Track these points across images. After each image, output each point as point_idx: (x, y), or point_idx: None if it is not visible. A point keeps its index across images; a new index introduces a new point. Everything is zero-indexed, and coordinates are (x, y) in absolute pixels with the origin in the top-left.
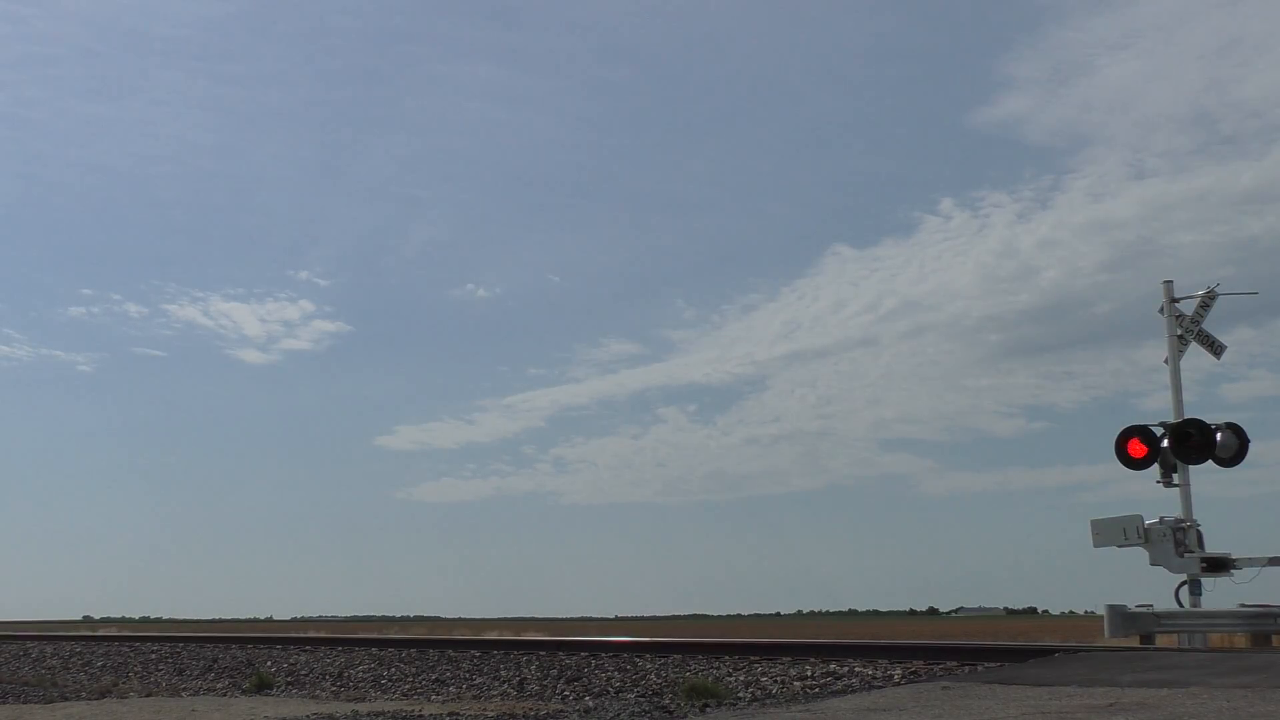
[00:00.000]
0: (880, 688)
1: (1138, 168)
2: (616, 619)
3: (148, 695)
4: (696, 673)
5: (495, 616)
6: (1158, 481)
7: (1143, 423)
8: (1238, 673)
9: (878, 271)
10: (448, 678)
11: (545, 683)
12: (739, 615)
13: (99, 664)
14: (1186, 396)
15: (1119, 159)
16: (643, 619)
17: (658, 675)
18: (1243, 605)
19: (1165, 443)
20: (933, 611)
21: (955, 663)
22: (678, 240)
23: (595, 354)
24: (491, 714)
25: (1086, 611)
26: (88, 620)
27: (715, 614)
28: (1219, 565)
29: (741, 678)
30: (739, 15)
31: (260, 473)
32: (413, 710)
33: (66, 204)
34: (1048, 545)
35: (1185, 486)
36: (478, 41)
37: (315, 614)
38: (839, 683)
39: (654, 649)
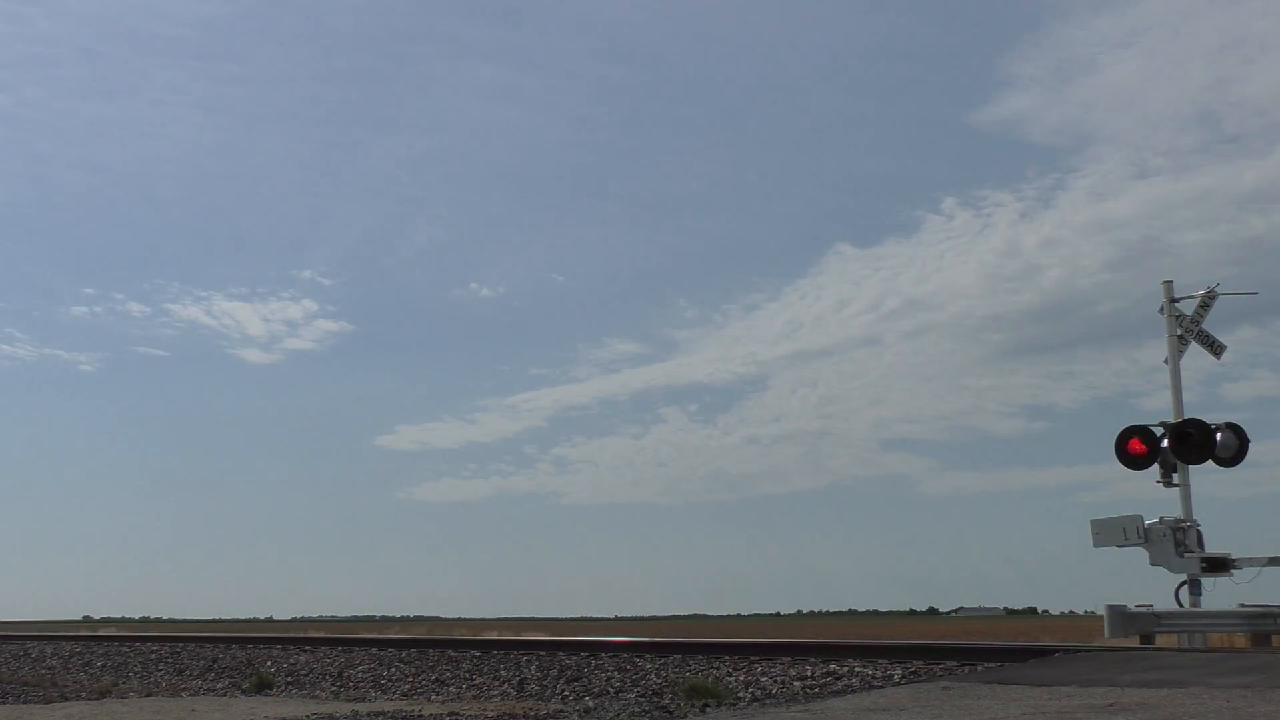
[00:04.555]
0: (880, 688)
1: (1140, 167)
2: (616, 619)
3: (148, 695)
4: (696, 673)
5: (495, 616)
6: (1158, 481)
7: (1143, 422)
8: (1238, 673)
9: (880, 271)
10: (448, 678)
11: (545, 683)
12: (739, 615)
13: (99, 664)
14: (1187, 396)
15: (1122, 158)
16: (643, 619)
17: (658, 675)
18: (1243, 605)
19: (1165, 442)
20: (933, 611)
21: (955, 663)
22: (680, 240)
23: (597, 354)
24: (491, 714)
25: (1086, 611)
26: (88, 620)
27: (715, 614)
28: (1219, 565)
29: (741, 678)
30: (739, 15)
31: (261, 473)
32: (413, 710)
33: (68, 204)
34: (1048, 545)
35: (1185, 486)
36: (478, 41)
37: (315, 614)
38: (839, 683)
39: (654, 649)
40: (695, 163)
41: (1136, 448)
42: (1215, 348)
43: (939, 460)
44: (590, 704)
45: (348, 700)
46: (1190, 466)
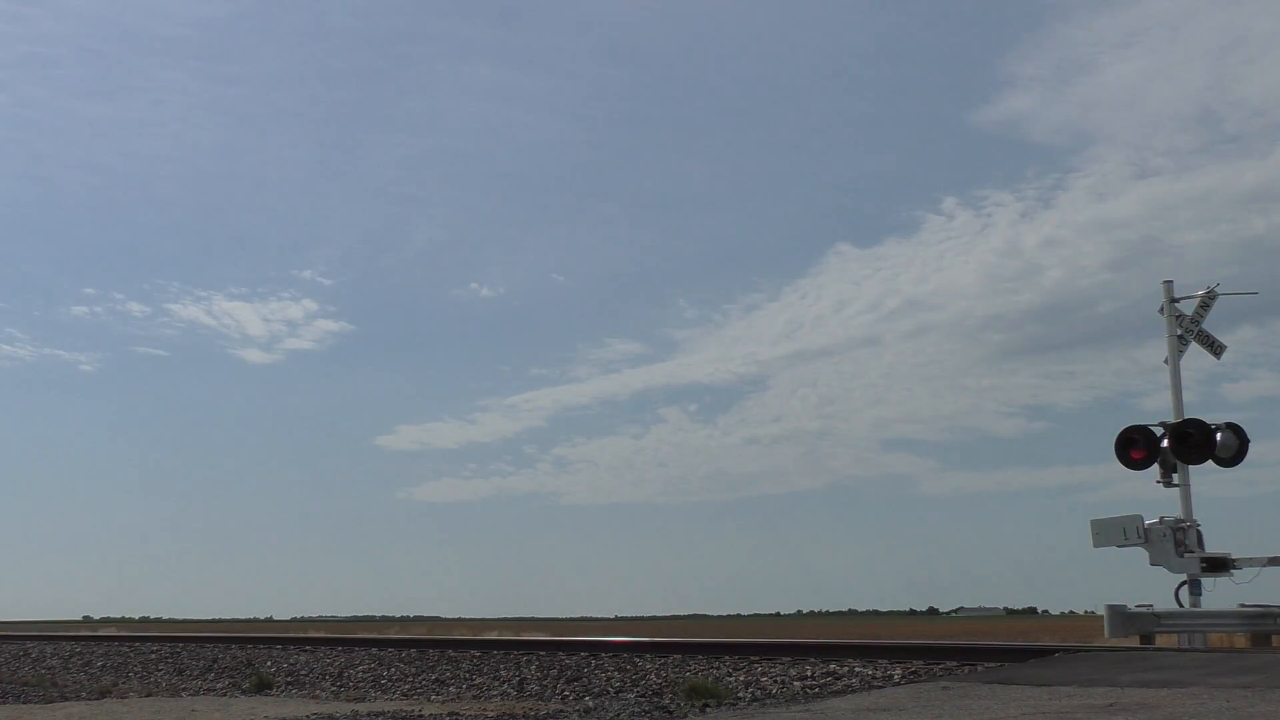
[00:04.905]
0: (880, 688)
1: (1141, 166)
2: (616, 619)
3: (148, 695)
4: (696, 673)
5: (495, 616)
6: (1158, 481)
7: (1143, 422)
8: (1238, 673)
9: (880, 271)
10: (448, 678)
11: (545, 683)
12: (739, 615)
13: (99, 664)
14: (1187, 396)
15: (1122, 158)
16: (643, 619)
17: (658, 675)
18: (1243, 605)
19: (1165, 443)
20: (933, 611)
21: (955, 663)
22: (680, 240)
23: (598, 353)
24: (491, 714)
25: (1086, 611)
26: (88, 620)
27: (715, 614)
28: (1219, 565)
29: (741, 678)
30: (739, 15)
31: (261, 472)
32: (413, 710)
33: (68, 204)
34: (1048, 545)
35: (1185, 486)
36: (478, 41)
37: (315, 614)
38: (839, 683)
39: (654, 649)
40: (695, 163)
41: (1136, 448)
42: (1215, 348)
43: (939, 460)
44: (590, 704)
45: (348, 700)
46: (1190, 466)
